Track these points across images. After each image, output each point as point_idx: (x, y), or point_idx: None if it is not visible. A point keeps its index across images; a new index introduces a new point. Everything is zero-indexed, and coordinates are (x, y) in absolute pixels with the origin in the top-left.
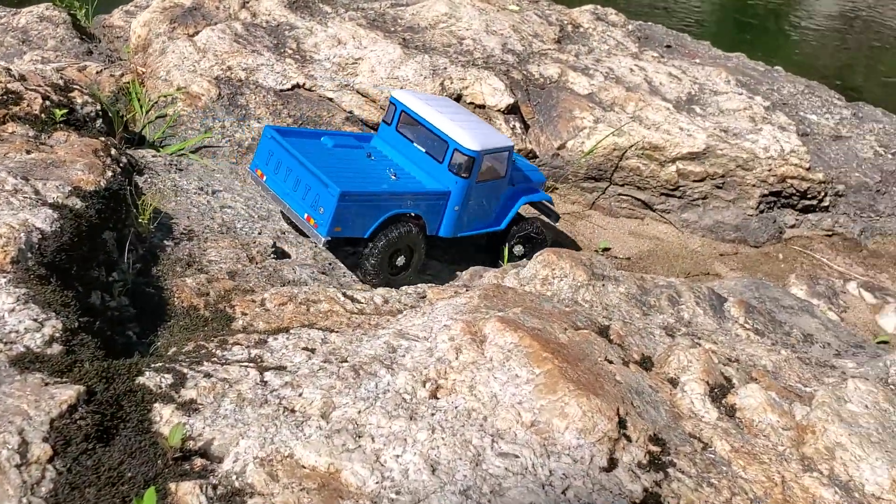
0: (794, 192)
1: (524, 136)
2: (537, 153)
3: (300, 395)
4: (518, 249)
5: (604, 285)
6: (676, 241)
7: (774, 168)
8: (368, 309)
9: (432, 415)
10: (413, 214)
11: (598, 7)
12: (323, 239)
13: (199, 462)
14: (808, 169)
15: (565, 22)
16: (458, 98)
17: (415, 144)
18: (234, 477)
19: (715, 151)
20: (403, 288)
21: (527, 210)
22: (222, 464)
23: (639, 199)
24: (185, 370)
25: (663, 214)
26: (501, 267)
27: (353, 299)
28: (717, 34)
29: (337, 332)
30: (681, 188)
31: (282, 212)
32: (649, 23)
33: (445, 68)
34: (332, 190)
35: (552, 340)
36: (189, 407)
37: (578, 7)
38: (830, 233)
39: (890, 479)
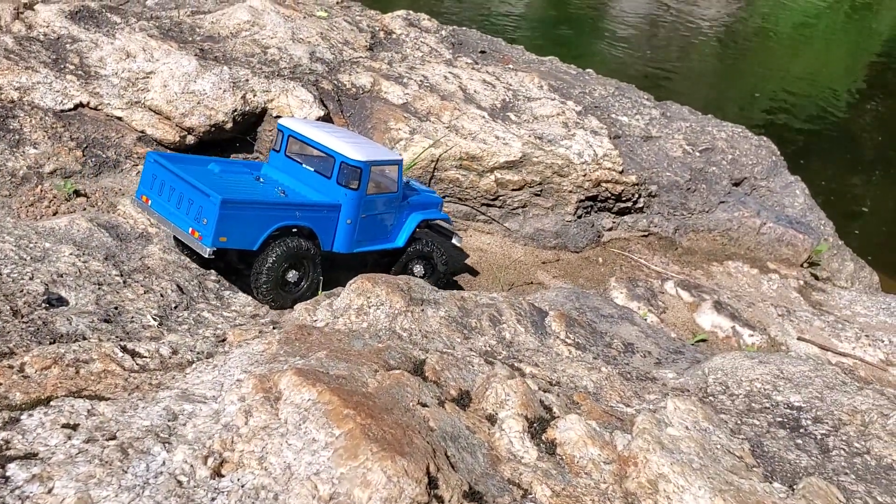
0: (610, 195)
1: None
2: None
3: (50, 490)
4: (418, 269)
5: (423, 310)
6: (500, 251)
7: (589, 173)
8: (153, 364)
9: (213, 500)
10: (304, 229)
11: (411, 12)
12: (208, 250)
13: None
14: (621, 172)
15: (377, 28)
16: (263, 112)
17: (304, 166)
18: None
19: (531, 159)
20: (201, 331)
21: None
22: None
23: (462, 210)
24: None
25: (486, 225)
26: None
27: (134, 354)
28: (534, 38)
29: (109, 399)
30: (500, 197)
31: (174, 238)
32: (463, 28)
33: (247, 80)
34: (213, 199)
35: (357, 391)
36: None
37: (390, 13)
38: (646, 233)
39: None
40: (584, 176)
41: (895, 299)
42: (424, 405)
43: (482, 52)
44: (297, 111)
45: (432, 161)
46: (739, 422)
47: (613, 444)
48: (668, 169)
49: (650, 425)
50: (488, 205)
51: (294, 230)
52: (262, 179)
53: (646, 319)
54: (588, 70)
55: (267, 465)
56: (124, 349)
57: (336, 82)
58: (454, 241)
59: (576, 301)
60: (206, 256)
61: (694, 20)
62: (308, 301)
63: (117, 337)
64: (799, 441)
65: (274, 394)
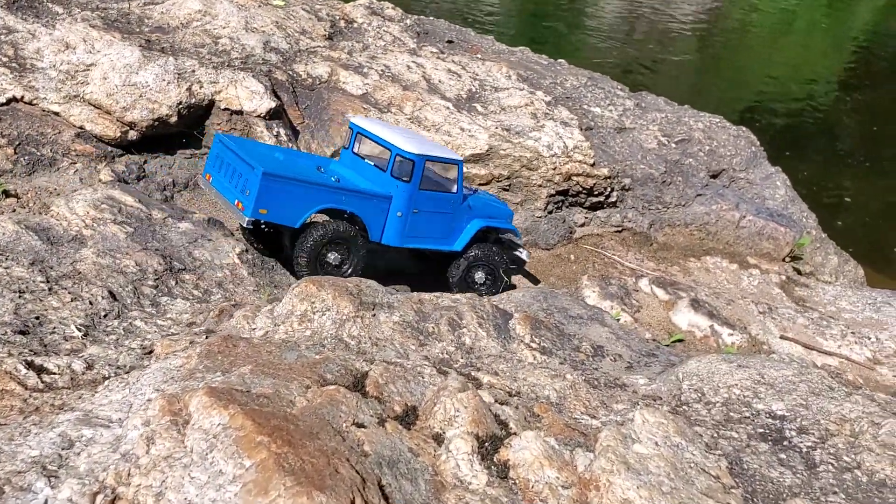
0: (581, 189)
1: (292, 144)
2: None
3: None
4: (479, 276)
5: (374, 315)
6: None
7: (559, 166)
8: (62, 381)
9: None
10: (352, 216)
11: (374, 1)
12: (246, 219)
13: None
14: (592, 165)
15: (337, 17)
16: (211, 104)
17: (366, 160)
18: None
19: (498, 152)
20: (128, 342)
21: None
22: None
23: None
24: None
25: None
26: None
27: (41, 370)
28: (510, 31)
29: (1, 423)
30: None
31: (240, 226)
32: (431, 17)
33: (194, 71)
34: (256, 171)
35: (277, 413)
36: None
37: (353, 1)
38: (620, 228)
39: None
40: (554, 169)
41: (882, 294)
42: (360, 426)
43: (449, 41)
44: (246, 103)
45: None
46: (716, 435)
47: (574, 465)
48: (643, 161)
49: (615, 442)
50: None
51: (344, 217)
52: (321, 169)
53: (618, 320)
54: (560, 60)
55: (164, 503)
56: (30, 365)
57: (291, 73)
58: (523, 255)
59: (543, 301)
60: (244, 226)
61: (673, 13)
62: (247, 307)
63: (30, 350)
64: (782, 456)
65: (183, 417)
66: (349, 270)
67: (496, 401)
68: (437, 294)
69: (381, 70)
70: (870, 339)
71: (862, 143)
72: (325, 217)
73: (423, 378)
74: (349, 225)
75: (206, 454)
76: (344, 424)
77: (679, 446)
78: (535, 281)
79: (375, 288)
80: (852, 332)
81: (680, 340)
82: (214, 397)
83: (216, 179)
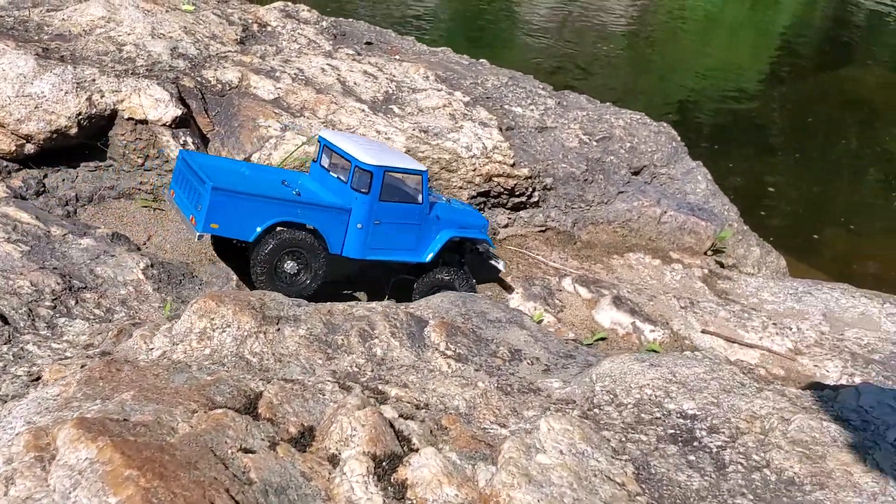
0: (503, 190)
1: (201, 151)
2: None
3: None
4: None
5: (279, 330)
6: None
7: (479, 167)
8: None
9: None
10: (309, 228)
11: (289, 3)
12: (197, 234)
13: None
14: (512, 165)
15: (250, 21)
16: (114, 114)
17: (331, 174)
18: None
19: (416, 154)
20: (13, 369)
21: None
22: None
23: None
24: None
25: None
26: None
27: None
28: (445, 35)
29: None
30: None
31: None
32: (350, 20)
33: (94, 80)
34: (206, 185)
35: (153, 444)
36: None
37: (267, 5)
38: (544, 228)
39: None
40: (474, 170)
41: (803, 284)
42: (249, 451)
43: (368, 43)
44: (151, 111)
45: (308, 160)
46: (624, 438)
47: (475, 480)
48: (564, 160)
49: (517, 453)
50: None
51: (305, 230)
52: (286, 183)
53: (541, 321)
54: (481, 60)
55: None
56: None
57: (200, 79)
58: (499, 265)
59: (462, 306)
60: (197, 241)
61: (603, 12)
62: (146, 326)
63: None
64: (692, 457)
65: (50, 452)
66: (307, 280)
67: (401, 415)
68: (351, 304)
69: (295, 74)
70: (791, 329)
71: (785, 136)
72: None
73: (323, 395)
74: (305, 233)
75: (70, 493)
76: (229, 451)
77: (584, 454)
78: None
79: (280, 301)
80: (774, 324)
81: (602, 339)
82: (83, 429)
83: (178, 195)
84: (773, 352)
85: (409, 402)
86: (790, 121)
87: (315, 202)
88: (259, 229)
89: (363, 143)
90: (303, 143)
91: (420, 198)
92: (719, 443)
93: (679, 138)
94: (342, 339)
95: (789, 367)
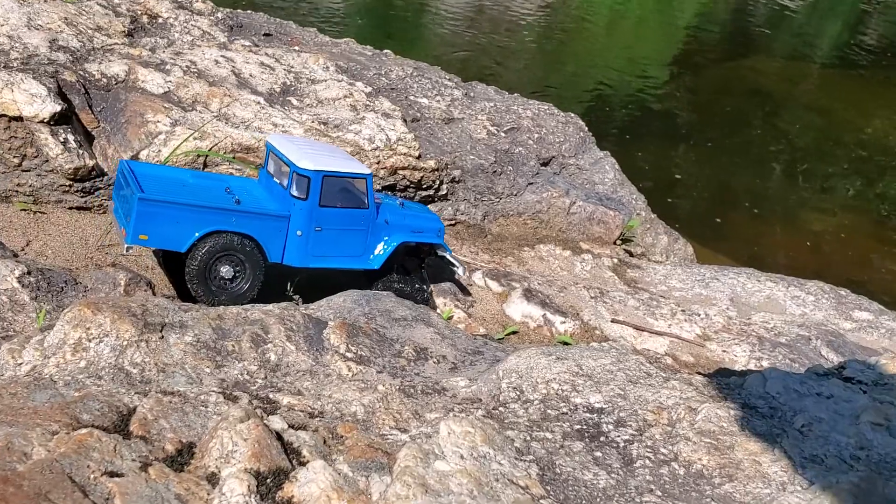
0: (409, 183)
1: (80, 151)
2: (106, 169)
3: None
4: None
5: (163, 337)
6: None
7: (383, 160)
8: None
9: None
10: (246, 236)
11: None
12: (126, 246)
13: None
14: (418, 157)
15: (139, 12)
16: None
17: (275, 180)
18: None
19: None
20: None
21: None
22: None
23: None
24: None
25: None
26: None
27: None
28: (360, 30)
29: None
30: None
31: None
32: (248, 11)
33: None
34: (135, 195)
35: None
36: None
37: None
38: (454, 221)
39: None
40: (378, 163)
41: (710, 270)
42: (116, 474)
43: (267, 34)
44: (25, 107)
45: (199, 156)
46: (529, 438)
47: (368, 493)
48: (472, 152)
49: (414, 461)
50: None
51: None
52: (230, 190)
53: (451, 317)
54: (385, 51)
55: None
56: None
57: (83, 73)
58: (459, 271)
59: (366, 305)
60: (124, 253)
61: (518, 5)
62: (16, 339)
63: None
64: (598, 454)
65: None
66: (244, 285)
67: (292, 426)
68: (246, 307)
69: (186, 66)
70: (699, 315)
71: (695, 123)
72: None
73: (206, 408)
74: (240, 237)
75: None
76: (91, 476)
77: (486, 457)
78: None
79: (165, 306)
80: (682, 310)
81: (514, 332)
82: None
83: (117, 207)
84: (682, 339)
85: (302, 411)
86: (696, 110)
87: (250, 210)
88: (191, 239)
89: (306, 147)
90: (188, 137)
91: (365, 202)
92: (626, 437)
93: (587, 128)
94: (233, 345)
95: (698, 354)
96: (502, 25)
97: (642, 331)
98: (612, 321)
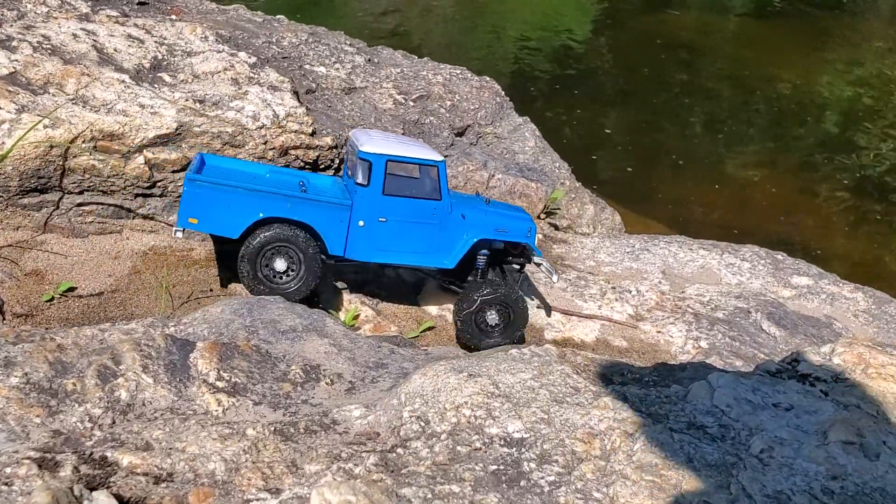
0: (304, 164)
1: None
2: None
3: None
4: (492, 317)
5: None
6: (171, 253)
7: (271, 139)
8: None
9: None
10: (303, 227)
11: None
12: (174, 230)
13: None
14: (312, 134)
15: None
16: None
17: (350, 174)
18: None
19: (191, 129)
20: None
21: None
22: None
23: (111, 207)
24: None
25: (146, 221)
26: None
27: None
28: (284, 5)
29: None
30: (159, 184)
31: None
32: None
33: None
34: (187, 177)
35: None
36: None
37: None
38: None
39: None
40: (265, 144)
41: (639, 240)
42: None
43: (141, 3)
44: None
45: (52, 147)
46: (432, 495)
47: None
48: (378, 124)
49: None
50: (144, 195)
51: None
52: (303, 184)
53: (357, 317)
54: (279, 17)
55: None
56: None
57: None
58: (553, 278)
59: (248, 315)
60: (174, 236)
61: None
62: None
63: None
64: None
65: None
66: (296, 285)
67: (126, 501)
68: (102, 326)
69: (38, 42)
70: (630, 292)
71: (617, 82)
72: None
73: (11, 486)
74: (298, 230)
75: None
76: None
77: None
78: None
79: None
80: (612, 288)
81: (430, 328)
82: None
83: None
84: (614, 321)
85: (145, 474)
86: (617, 68)
87: (311, 198)
88: (245, 226)
89: (379, 136)
90: (36, 124)
91: (438, 192)
92: (552, 478)
93: (504, 93)
94: (74, 384)
95: (631, 337)
96: None
97: (571, 315)
98: (537, 307)
